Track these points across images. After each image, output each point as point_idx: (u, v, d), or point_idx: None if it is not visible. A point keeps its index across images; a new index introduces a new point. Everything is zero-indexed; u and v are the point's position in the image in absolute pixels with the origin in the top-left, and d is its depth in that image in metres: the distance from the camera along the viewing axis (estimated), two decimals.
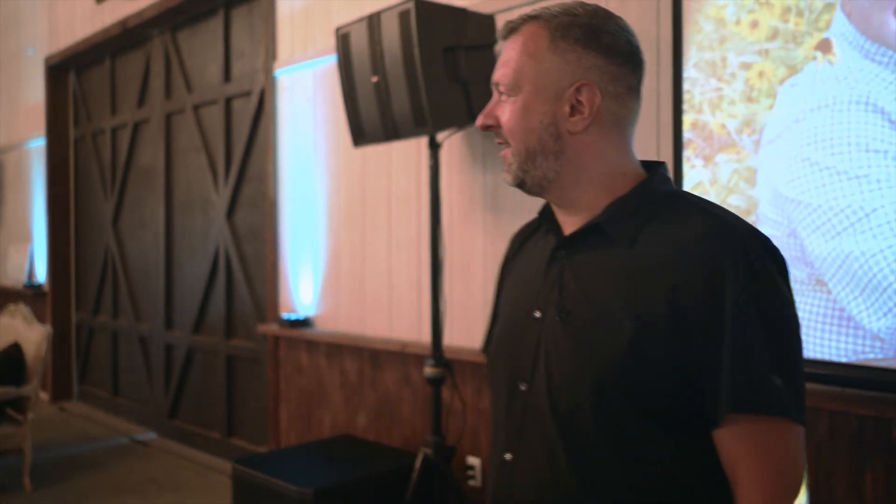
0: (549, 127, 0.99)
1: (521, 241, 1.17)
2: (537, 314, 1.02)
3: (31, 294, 6.22)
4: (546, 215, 1.09)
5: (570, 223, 1.04)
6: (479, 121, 1.04)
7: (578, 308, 0.98)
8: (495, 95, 1.04)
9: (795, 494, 0.90)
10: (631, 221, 0.98)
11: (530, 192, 1.04)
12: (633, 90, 1.02)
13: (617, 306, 0.94)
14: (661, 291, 0.92)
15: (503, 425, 1.04)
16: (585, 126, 0.99)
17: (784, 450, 0.91)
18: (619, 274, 0.96)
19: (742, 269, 0.90)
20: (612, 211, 1.00)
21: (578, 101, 0.98)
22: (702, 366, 0.91)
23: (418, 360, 3.09)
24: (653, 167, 1.05)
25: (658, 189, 1.02)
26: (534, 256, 1.09)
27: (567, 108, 0.99)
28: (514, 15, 1.07)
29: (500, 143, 1.05)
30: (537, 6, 1.07)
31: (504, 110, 1.02)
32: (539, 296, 1.03)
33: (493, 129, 1.04)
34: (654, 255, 0.94)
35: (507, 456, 1.02)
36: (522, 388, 1.01)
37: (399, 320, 3.23)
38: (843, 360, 1.82)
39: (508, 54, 1.02)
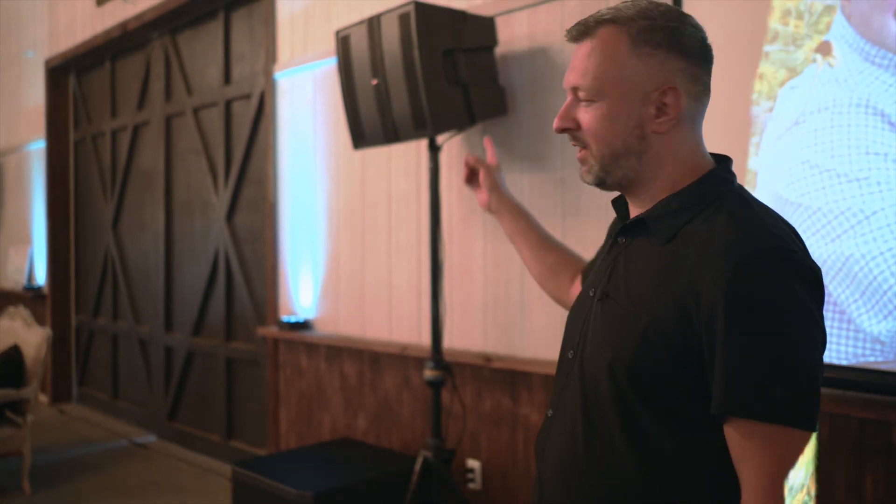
0: (634, 129, 1.03)
1: (614, 227, 1.24)
2: (591, 293, 1.11)
3: (30, 296, 6.22)
4: (618, 202, 1.15)
5: (636, 212, 1.10)
6: (557, 124, 1.08)
7: (616, 293, 1.05)
8: (570, 98, 1.07)
9: (780, 494, 0.94)
10: (674, 219, 1.03)
11: (609, 189, 1.10)
12: (708, 87, 1.06)
13: (641, 297, 1.01)
14: (678, 290, 0.97)
15: (555, 384, 1.15)
16: (671, 127, 1.03)
17: (782, 455, 0.93)
18: (651, 267, 1.02)
19: (755, 280, 0.92)
20: (660, 207, 1.05)
21: (664, 104, 1.02)
22: (705, 367, 0.95)
23: (418, 362, 3.09)
24: (720, 161, 1.08)
25: (710, 188, 1.04)
26: (609, 240, 1.18)
27: (653, 110, 1.02)
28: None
29: (575, 145, 1.09)
30: (605, 8, 1.08)
31: (585, 114, 1.05)
32: (598, 276, 1.12)
33: (570, 131, 1.07)
34: (683, 254, 0.99)
35: (550, 412, 1.13)
36: (570, 355, 1.11)
37: (399, 323, 3.23)
38: (844, 362, 1.82)
39: (586, 58, 1.04)
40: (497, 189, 1.55)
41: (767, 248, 0.94)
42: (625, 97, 1.02)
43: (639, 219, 1.06)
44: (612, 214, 1.24)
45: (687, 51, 1.02)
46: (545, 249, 1.48)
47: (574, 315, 1.15)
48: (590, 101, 1.04)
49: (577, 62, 1.05)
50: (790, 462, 0.94)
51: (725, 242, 0.95)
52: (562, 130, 1.08)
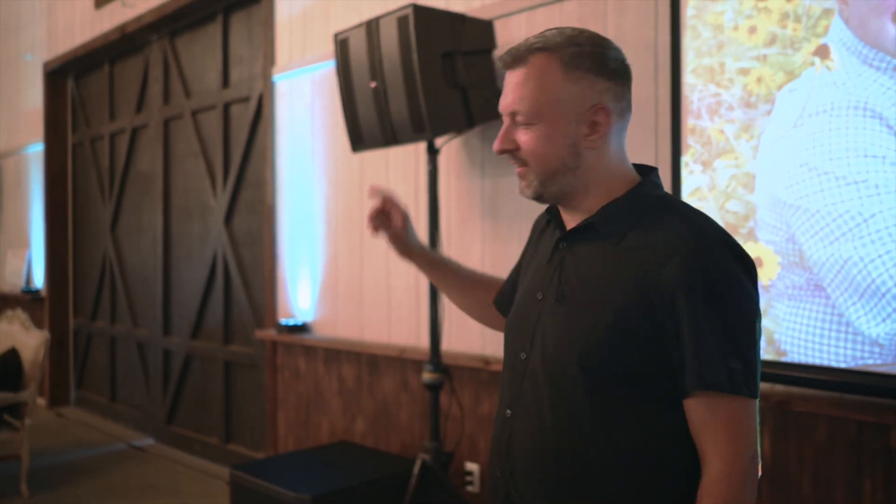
0: (570, 147, 1.13)
1: (540, 232, 1.33)
2: (539, 296, 1.20)
3: (28, 299, 6.21)
4: (553, 212, 1.24)
5: (571, 221, 1.20)
6: (497, 146, 1.17)
7: (574, 293, 1.15)
8: (508, 122, 1.16)
9: (751, 455, 1.05)
10: (620, 222, 1.14)
11: (546, 202, 1.21)
12: (629, 103, 1.17)
13: (603, 293, 1.11)
14: (639, 284, 1.08)
15: (507, 386, 1.23)
16: (602, 143, 1.14)
17: (741, 421, 1.06)
18: (608, 267, 1.12)
19: (708, 267, 1.06)
20: (605, 212, 1.15)
21: (595, 122, 1.13)
22: (672, 347, 1.07)
23: (416, 365, 3.09)
24: (646, 172, 1.20)
25: (648, 193, 1.16)
26: (544, 247, 1.27)
27: (586, 129, 1.13)
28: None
29: (514, 164, 1.18)
30: (533, 37, 1.15)
31: (523, 136, 1.15)
32: (542, 280, 1.21)
33: (510, 152, 1.17)
34: (637, 251, 1.10)
35: (508, 412, 1.20)
36: (522, 356, 1.19)
37: (397, 326, 3.23)
38: (842, 365, 1.82)
39: (521, 85, 1.13)
40: (403, 241, 1.49)
41: (714, 241, 1.08)
42: (560, 118, 1.12)
43: (586, 224, 1.16)
44: None
45: (611, 72, 1.13)
46: (471, 286, 1.55)
47: (518, 318, 1.24)
48: (528, 124, 1.13)
49: (513, 88, 1.14)
50: (753, 429, 1.06)
51: (678, 238, 1.07)
52: (502, 152, 1.17)
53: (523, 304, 1.24)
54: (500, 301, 1.44)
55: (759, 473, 1.07)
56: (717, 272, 1.06)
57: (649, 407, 1.09)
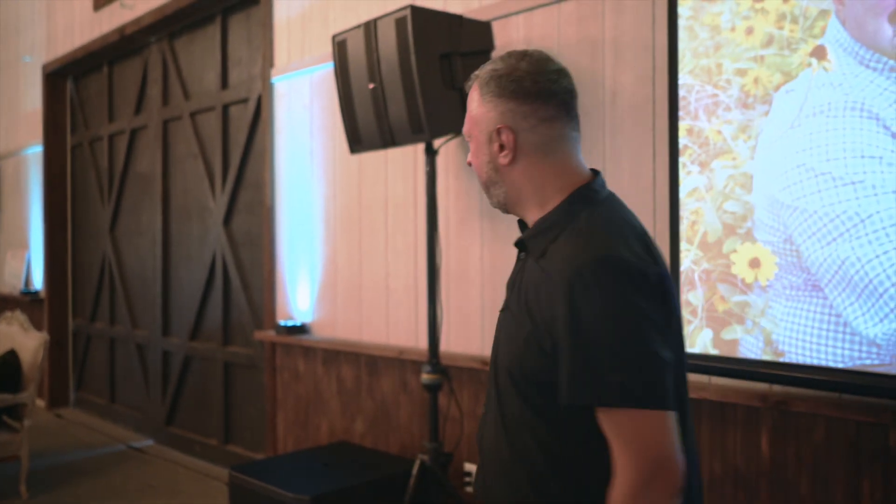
0: (489, 164, 1.27)
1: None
2: (502, 307, 1.31)
3: (27, 301, 6.22)
4: (520, 223, 1.34)
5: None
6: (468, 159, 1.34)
7: (512, 305, 1.25)
8: None
9: (659, 475, 1.06)
10: (544, 237, 1.21)
11: (506, 213, 1.33)
12: (549, 119, 1.23)
13: (526, 307, 1.19)
14: (543, 301, 1.15)
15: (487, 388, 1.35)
16: (511, 159, 1.24)
17: (633, 432, 1.07)
18: (532, 281, 1.20)
19: (587, 285, 1.09)
20: (534, 228, 1.25)
21: (501, 142, 1.24)
22: (557, 362, 1.12)
23: (415, 366, 3.09)
24: (588, 182, 1.25)
25: (574, 206, 1.21)
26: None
27: (497, 147, 1.25)
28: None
29: None
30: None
31: (470, 152, 1.32)
32: (509, 290, 1.31)
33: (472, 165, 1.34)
34: (547, 268, 1.17)
35: (482, 411, 1.36)
36: (491, 362, 1.32)
37: (396, 327, 3.23)
38: (840, 365, 1.82)
39: (467, 107, 1.31)
40: None
41: (596, 259, 1.11)
42: (478, 138, 1.27)
43: (520, 239, 1.28)
44: None
45: (513, 94, 1.22)
46: None
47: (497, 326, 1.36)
48: (469, 142, 1.30)
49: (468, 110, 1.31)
50: (652, 438, 1.07)
51: (564, 256, 1.14)
52: (470, 164, 1.33)
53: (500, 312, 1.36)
54: None
55: (678, 479, 1.07)
56: (592, 292, 1.09)
57: (559, 414, 1.15)
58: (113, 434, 5.24)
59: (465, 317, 2.92)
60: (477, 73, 1.28)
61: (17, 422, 3.92)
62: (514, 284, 1.27)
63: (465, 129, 1.32)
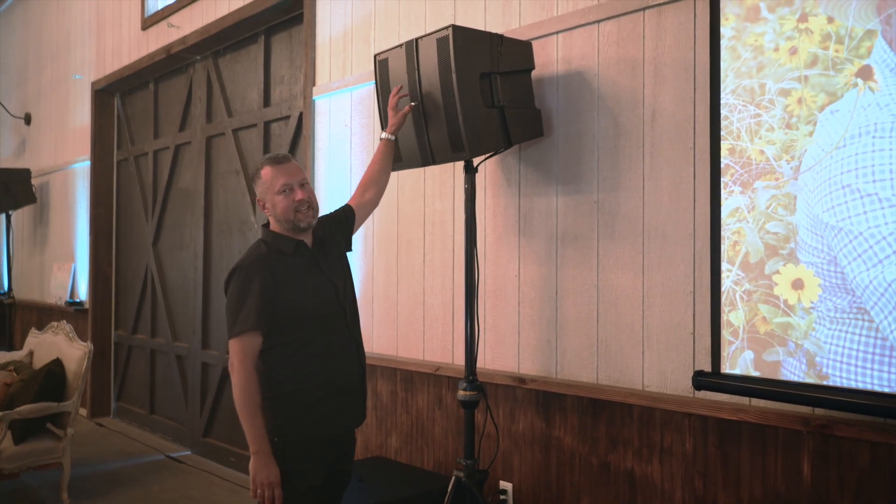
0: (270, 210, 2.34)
1: (277, 259, 2.30)
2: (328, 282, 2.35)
3: (72, 311, 6.37)
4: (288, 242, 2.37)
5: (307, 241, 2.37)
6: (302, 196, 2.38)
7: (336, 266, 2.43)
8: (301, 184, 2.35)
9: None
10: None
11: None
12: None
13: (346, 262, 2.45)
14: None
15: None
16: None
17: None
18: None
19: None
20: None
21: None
22: None
23: (451, 382, 3.10)
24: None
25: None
26: (301, 261, 2.31)
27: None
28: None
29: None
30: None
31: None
32: (323, 274, 2.34)
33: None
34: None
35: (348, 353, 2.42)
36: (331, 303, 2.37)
37: (431, 342, 3.24)
38: (886, 390, 1.79)
39: (298, 169, 2.38)
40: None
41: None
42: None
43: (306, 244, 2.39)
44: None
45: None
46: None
47: (316, 298, 2.34)
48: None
49: (298, 170, 2.33)
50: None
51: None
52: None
53: (319, 290, 2.35)
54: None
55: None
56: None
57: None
58: (152, 444, 5.33)
59: (502, 334, 2.93)
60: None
61: (60, 430, 4.01)
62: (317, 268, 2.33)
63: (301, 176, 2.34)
